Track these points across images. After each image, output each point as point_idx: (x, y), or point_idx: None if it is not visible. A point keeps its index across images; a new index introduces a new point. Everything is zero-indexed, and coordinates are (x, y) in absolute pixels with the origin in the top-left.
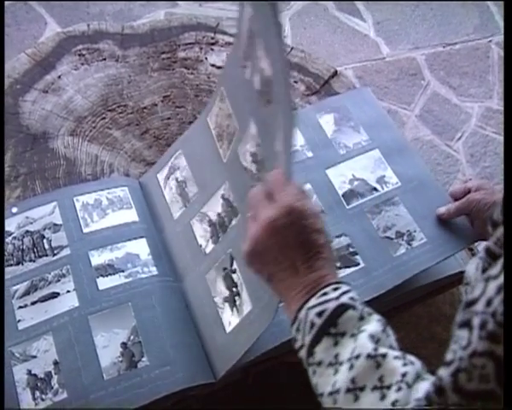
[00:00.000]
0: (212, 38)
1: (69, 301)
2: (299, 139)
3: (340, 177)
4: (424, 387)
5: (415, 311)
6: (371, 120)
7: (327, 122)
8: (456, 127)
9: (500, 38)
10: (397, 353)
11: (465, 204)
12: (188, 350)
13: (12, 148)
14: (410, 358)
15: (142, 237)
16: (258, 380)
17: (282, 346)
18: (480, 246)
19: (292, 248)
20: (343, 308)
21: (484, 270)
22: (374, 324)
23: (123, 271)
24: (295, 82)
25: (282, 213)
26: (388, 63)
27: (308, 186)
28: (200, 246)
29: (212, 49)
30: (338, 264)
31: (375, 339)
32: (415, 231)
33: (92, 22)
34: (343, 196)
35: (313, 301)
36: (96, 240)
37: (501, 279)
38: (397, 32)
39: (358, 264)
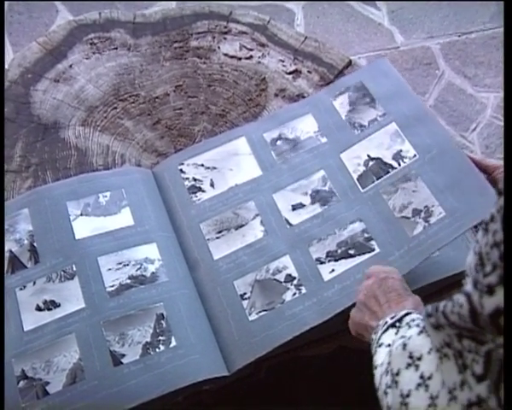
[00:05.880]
0: (225, 27)
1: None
2: (312, 125)
3: (355, 159)
4: None
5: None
6: (388, 91)
7: (341, 104)
8: (471, 118)
9: None
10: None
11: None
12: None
13: (23, 138)
14: None
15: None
16: (270, 374)
17: (295, 340)
18: None
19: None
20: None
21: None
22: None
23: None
24: (309, 72)
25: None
26: (402, 52)
27: (322, 173)
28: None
29: (224, 38)
30: (352, 252)
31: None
32: (433, 206)
33: (104, 11)
34: (358, 179)
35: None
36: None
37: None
38: (411, 21)
39: (374, 249)
